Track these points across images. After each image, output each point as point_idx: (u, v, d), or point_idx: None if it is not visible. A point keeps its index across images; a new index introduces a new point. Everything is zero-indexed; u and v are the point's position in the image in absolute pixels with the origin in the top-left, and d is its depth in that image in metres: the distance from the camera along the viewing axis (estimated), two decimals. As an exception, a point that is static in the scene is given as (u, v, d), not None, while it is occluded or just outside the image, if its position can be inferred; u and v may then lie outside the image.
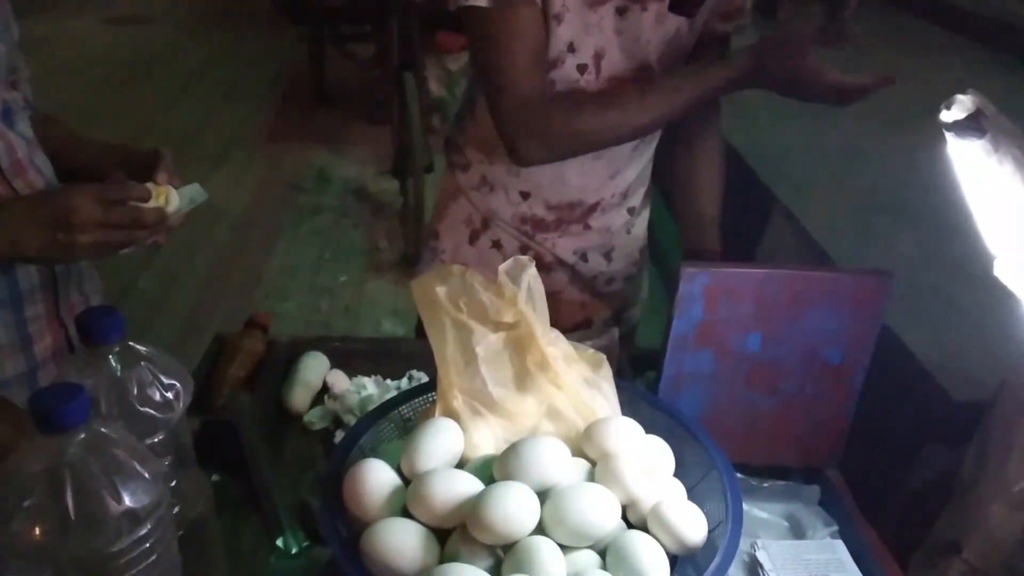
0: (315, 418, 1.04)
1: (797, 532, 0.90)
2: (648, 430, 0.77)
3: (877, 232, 2.01)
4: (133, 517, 0.55)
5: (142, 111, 4.47)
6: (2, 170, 0.87)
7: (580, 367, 0.79)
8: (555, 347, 0.78)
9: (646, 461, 0.72)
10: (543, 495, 0.66)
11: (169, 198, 0.89)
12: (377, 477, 0.66)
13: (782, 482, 0.93)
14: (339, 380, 1.08)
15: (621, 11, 1.05)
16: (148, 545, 0.58)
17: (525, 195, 1.20)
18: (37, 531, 0.52)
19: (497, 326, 0.78)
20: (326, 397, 1.07)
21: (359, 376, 1.10)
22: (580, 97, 1.08)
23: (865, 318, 0.89)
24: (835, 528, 0.90)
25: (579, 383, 0.78)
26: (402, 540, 0.61)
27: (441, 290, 0.77)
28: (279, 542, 0.86)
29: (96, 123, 3.47)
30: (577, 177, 1.18)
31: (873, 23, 5.27)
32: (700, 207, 1.19)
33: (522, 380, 0.77)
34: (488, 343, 0.76)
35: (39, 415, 0.52)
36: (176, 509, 0.70)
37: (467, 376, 0.75)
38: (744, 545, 0.86)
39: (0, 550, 0.53)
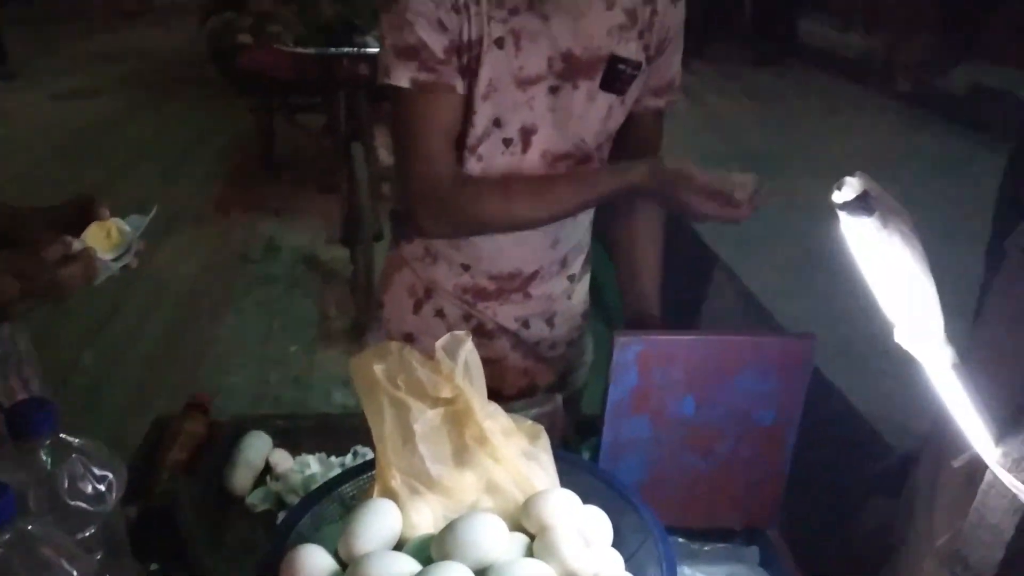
0: (257, 500, 1.03)
1: (740, 594, 0.91)
2: (588, 499, 0.78)
3: (817, 287, 2.09)
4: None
5: (89, 184, 4.42)
6: None
7: (518, 439, 0.80)
8: (493, 420, 0.79)
9: (584, 533, 0.73)
10: (482, 573, 0.66)
11: (120, 229, 0.90)
12: (313, 563, 0.66)
13: (723, 544, 0.95)
14: (282, 459, 1.08)
15: (553, 90, 1.11)
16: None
17: (466, 267, 1.23)
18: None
19: (435, 402, 0.79)
20: (268, 477, 1.06)
21: (303, 454, 1.09)
22: (487, 184, 1.13)
23: (792, 379, 0.93)
24: (776, 588, 0.92)
25: (517, 456, 0.79)
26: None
27: (379, 368, 0.78)
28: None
29: (44, 196, 3.43)
30: (516, 248, 1.21)
31: (804, 85, 5.53)
32: (641, 281, 1.23)
33: (460, 456, 0.78)
34: (426, 420, 0.77)
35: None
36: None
37: (405, 454, 0.75)
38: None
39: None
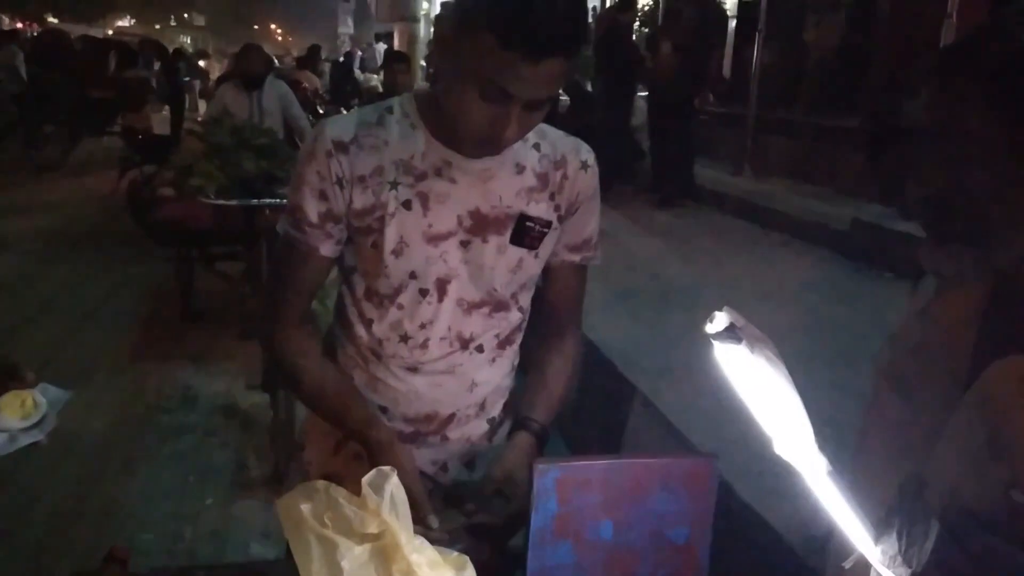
0: (178, 657, 0.99)
1: None
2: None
3: (731, 410, 2.20)
4: None
5: (-7, 335, 4.27)
6: None
7: (445, 572, 0.83)
8: (419, 554, 0.82)
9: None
10: None
11: (35, 399, 0.90)
12: None
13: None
14: (204, 612, 1.05)
15: (464, 244, 1.20)
16: None
17: (384, 409, 1.26)
18: None
19: (362, 538, 0.81)
20: (190, 632, 1.03)
21: (225, 606, 1.07)
22: (296, 357, 1.24)
23: (701, 497, 0.99)
24: None
25: (443, 586, 0.82)
26: None
27: (306, 507, 0.80)
28: None
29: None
30: (430, 390, 1.26)
31: (703, 223, 5.94)
32: (540, 391, 1.29)
33: (388, 591, 0.80)
34: (353, 556, 0.79)
35: None
36: None
37: (332, 593, 0.77)
38: None
39: None
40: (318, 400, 1.25)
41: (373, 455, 1.17)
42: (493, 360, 1.30)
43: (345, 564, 0.78)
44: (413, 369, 1.25)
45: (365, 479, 0.83)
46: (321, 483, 0.82)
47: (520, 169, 1.21)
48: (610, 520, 0.98)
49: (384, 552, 0.81)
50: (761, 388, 0.65)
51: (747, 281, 3.94)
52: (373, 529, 0.81)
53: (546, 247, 1.26)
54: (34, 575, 2.31)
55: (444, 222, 1.17)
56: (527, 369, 1.34)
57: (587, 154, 1.27)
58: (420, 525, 1.03)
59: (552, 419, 1.27)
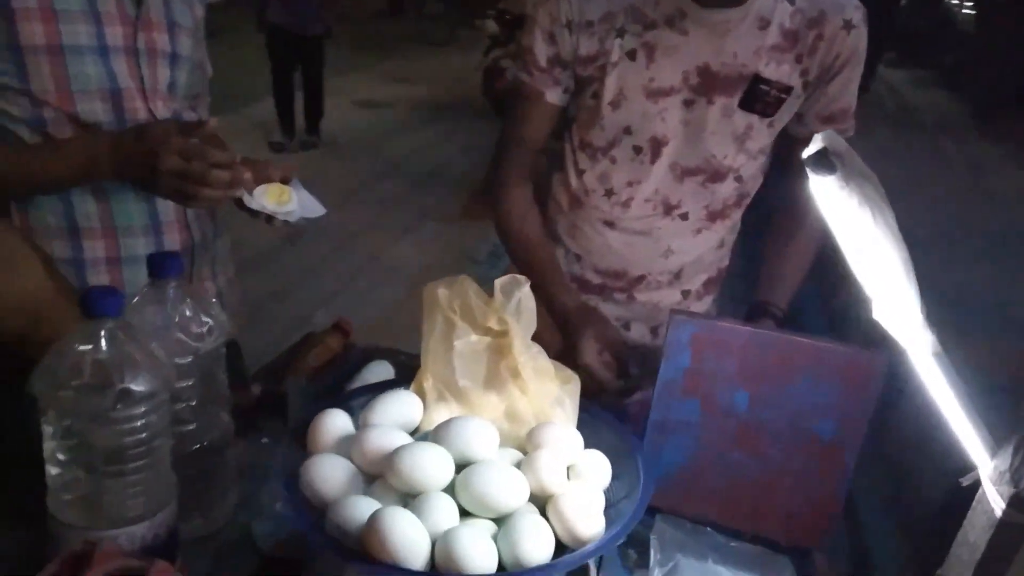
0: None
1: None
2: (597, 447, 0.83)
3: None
4: (129, 396, 0.72)
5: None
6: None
7: (549, 380, 0.87)
8: (531, 358, 0.87)
9: (572, 461, 0.78)
10: (462, 467, 0.74)
11: (290, 195, 1.10)
12: (333, 423, 0.79)
13: (756, 547, 0.93)
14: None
15: (687, 103, 1.14)
16: (143, 435, 0.74)
17: (578, 256, 1.30)
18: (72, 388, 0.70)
19: (485, 331, 0.88)
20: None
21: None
22: (510, 211, 1.25)
23: (858, 395, 0.89)
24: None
25: (543, 392, 0.86)
26: (329, 471, 0.73)
27: (443, 292, 0.89)
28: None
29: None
30: (623, 248, 1.26)
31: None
32: (781, 274, 1.22)
33: (492, 380, 0.86)
34: (468, 341, 0.87)
35: (87, 303, 0.71)
36: (192, 426, 0.87)
37: (441, 364, 0.86)
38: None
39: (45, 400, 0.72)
40: (526, 272, 1.25)
41: (568, 326, 1.18)
42: (698, 231, 1.25)
43: (457, 344, 0.86)
44: (610, 224, 1.26)
45: (498, 281, 0.89)
46: (462, 277, 0.90)
47: (763, 24, 1.11)
48: (746, 392, 0.92)
49: (498, 348, 0.87)
50: (857, 232, 0.57)
51: None
52: (494, 325, 0.88)
53: (782, 115, 1.16)
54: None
55: (667, 77, 1.13)
56: (767, 251, 1.26)
57: (854, 11, 1.12)
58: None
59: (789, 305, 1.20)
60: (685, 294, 1.32)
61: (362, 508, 0.66)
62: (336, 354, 1.30)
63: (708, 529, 0.94)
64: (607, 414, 0.90)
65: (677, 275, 1.29)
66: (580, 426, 0.85)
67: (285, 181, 1.14)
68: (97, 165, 1.01)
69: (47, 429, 0.74)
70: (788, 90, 1.13)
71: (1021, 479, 0.56)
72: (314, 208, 1.16)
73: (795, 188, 1.20)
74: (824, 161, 0.55)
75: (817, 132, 1.18)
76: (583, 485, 0.76)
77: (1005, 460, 0.58)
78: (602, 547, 0.69)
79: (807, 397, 0.90)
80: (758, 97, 1.13)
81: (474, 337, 0.87)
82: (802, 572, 0.92)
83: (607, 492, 0.79)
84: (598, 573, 0.92)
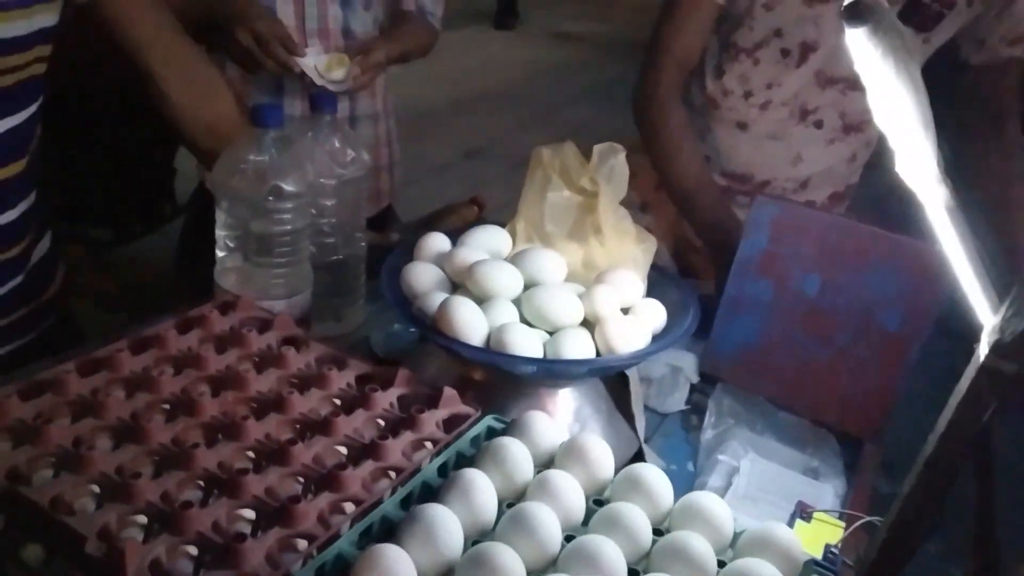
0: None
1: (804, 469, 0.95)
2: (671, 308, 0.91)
3: None
4: (279, 192, 0.90)
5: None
6: None
7: (628, 239, 0.97)
8: (614, 218, 0.97)
9: (629, 303, 0.88)
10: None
11: (346, 68, 1.30)
12: (435, 240, 0.95)
13: (802, 420, 0.99)
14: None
15: None
16: (288, 227, 0.93)
17: (707, 158, 1.35)
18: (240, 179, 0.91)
19: (579, 190, 0.99)
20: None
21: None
22: (659, 125, 1.24)
23: (926, 290, 0.91)
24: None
25: (619, 248, 0.96)
26: (423, 274, 0.88)
27: (547, 152, 1.01)
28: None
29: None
30: (751, 152, 1.29)
31: None
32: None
33: (575, 231, 0.97)
34: (560, 195, 0.98)
35: (256, 115, 0.90)
36: (331, 240, 1.06)
37: (534, 211, 0.98)
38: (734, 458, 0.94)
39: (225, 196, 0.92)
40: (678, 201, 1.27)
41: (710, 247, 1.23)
42: (831, 141, 1.27)
43: (550, 196, 0.97)
44: (743, 126, 1.30)
45: (597, 147, 0.99)
46: (568, 142, 1.01)
47: None
48: (819, 276, 0.97)
49: (587, 206, 0.98)
50: (881, 85, 0.61)
51: None
52: (586, 185, 0.98)
53: (940, 33, 1.14)
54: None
55: None
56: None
57: None
58: None
59: None
60: (810, 204, 1.34)
61: (440, 297, 0.81)
62: (468, 224, 1.46)
63: (762, 399, 1.01)
64: (676, 276, 0.98)
65: (803, 184, 1.31)
66: (649, 283, 0.95)
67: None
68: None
69: (219, 217, 0.95)
70: (951, 5, 1.11)
71: (1007, 329, 0.59)
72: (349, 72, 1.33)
73: (976, 116, 1.16)
74: (857, 11, 0.60)
75: (1002, 53, 1.14)
76: (631, 317, 0.86)
77: (1001, 314, 0.61)
78: (634, 358, 0.80)
79: (877, 287, 0.94)
80: (917, 10, 1.12)
81: (567, 193, 0.98)
82: (848, 454, 0.97)
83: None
84: (658, 428, 1.02)
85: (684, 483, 0.92)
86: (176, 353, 0.75)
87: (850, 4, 0.61)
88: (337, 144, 1.02)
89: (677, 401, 1.06)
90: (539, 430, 0.69)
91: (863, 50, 0.61)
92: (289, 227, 0.93)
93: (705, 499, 0.63)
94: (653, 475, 0.64)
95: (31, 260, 1.06)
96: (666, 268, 1.03)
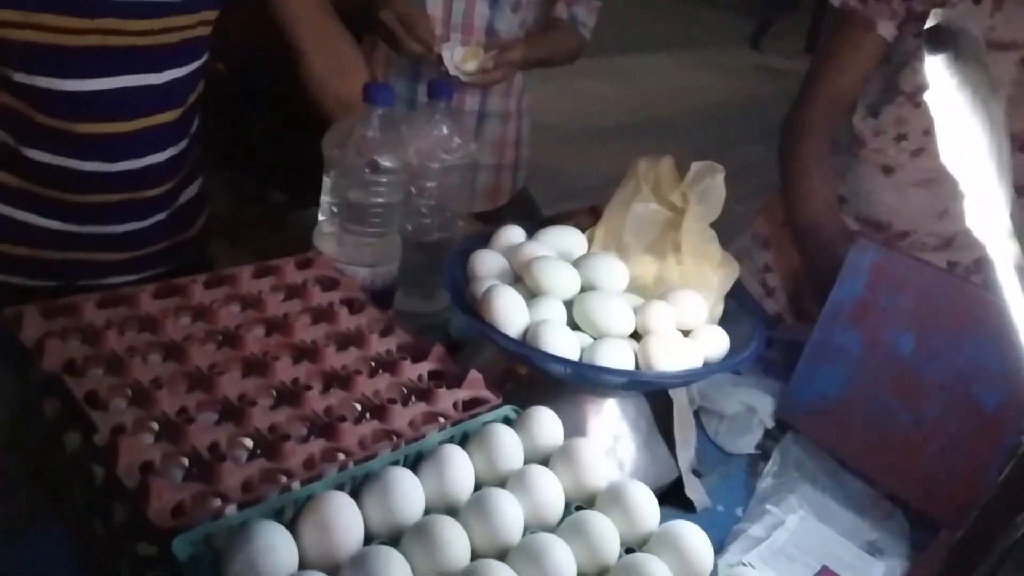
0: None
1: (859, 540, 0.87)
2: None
3: None
4: (376, 166, 0.96)
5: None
6: None
7: (707, 262, 0.93)
8: (698, 238, 0.94)
9: (690, 325, 0.85)
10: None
11: (481, 60, 1.34)
12: (509, 232, 0.96)
13: (868, 487, 0.90)
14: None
15: (1023, 62, 1.05)
16: (381, 199, 0.99)
17: (842, 199, 1.26)
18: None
19: (670, 206, 0.97)
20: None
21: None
22: (805, 169, 1.18)
23: (1035, 371, 0.80)
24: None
25: (696, 269, 0.93)
26: (487, 261, 0.90)
27: (643, 163, 0.99)
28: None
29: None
30: (893, 198, 1.19)
31: None
32: None
33: (655, 246, 0.95)
34: (647, 207, 0.96)
35: (366, 92, 0.96)
36: (428, 220, 1.10)
37: (617, 219, 0.97)
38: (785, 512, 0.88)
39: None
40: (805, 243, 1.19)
41: None
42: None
43: (636, 206, 0.95)
44: (888, 170, 1.21)
45: (695, 164, 0.96)
46: (667, 156, 0.99)
47: None
48: (914, 335, 0.88)
49: (672, 222, 0.95)
50: (957, 124, 0.56)
51: None
52: (677, 201, 0.95)
53: None
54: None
55: (1012, 31, 1.06)
56: None
57: None
58: None
59: None
60: (951, 266, 1.21)
61: (492, 284, 0.83)
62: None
63: (833, 457, 0.93)
64: (759, 308, 0.93)
65: (948, 242, 1.19)
66: (725, 311, 0.90)
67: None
68: None
69: (325, 183, 1.02)
70: None
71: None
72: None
73: None
74: (938, 36, 0.54)
75: None
76: (682, 340, 0.83)
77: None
78: (671, 378, 0.77)
79: (977, 357, 0.84)
80: None
81: (654, 206, 0.96)
82: (916, 536, 0.87)
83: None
84: (721, 467, 0.98)
85: (725, 526, 0.87)
86: (244, 293, 0.82)
87: (931, 27, 0.56)
88: (445, 131, 1.07)
89: (748, 443, 1.01)
90: (541, 426, 0.68)
91: (939, 79, 0.56)
92: (382, 200, 0.99)
93: (684, 528, 0.60)
94: (637, 491, 0.62)
95: (178, 201, 1.19)
96: (754, 300, 0.98)
